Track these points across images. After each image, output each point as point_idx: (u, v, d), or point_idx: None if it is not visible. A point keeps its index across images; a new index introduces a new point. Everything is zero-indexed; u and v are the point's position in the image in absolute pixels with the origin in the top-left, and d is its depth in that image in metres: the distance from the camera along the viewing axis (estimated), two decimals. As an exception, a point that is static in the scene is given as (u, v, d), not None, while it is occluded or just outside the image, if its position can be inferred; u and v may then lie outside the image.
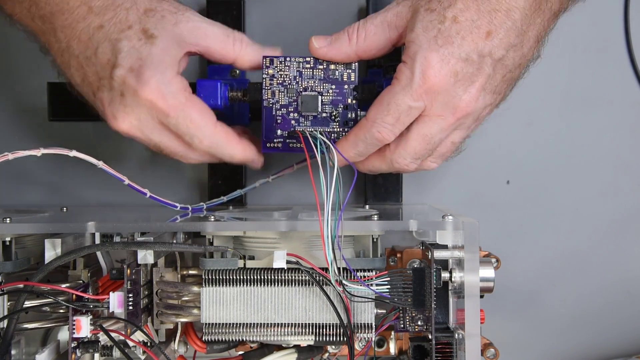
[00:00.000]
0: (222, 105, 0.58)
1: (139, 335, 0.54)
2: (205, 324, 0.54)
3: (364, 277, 0.52)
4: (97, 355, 0.54)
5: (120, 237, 0.58)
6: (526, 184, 0.71)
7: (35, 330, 0.58)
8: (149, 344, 0.54)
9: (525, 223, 0.71)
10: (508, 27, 0.50)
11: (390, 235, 0.64)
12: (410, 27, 0.51)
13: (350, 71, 0.56)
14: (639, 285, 0.72)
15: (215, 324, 0.54)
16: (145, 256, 0.53)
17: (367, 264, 0.54)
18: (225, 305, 0.54)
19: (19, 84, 0.71)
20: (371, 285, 0.52)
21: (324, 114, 0.57)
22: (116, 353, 0.53)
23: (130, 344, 0.53)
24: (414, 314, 0.54)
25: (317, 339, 0.54)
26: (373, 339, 0.55)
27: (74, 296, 0.51)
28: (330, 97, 0.57)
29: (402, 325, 0.54)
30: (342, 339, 0.53)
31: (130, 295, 0.52)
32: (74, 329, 0.51)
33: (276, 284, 0.54)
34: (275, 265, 0.51)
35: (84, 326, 0.51)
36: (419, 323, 0.54)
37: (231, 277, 0.54)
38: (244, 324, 0.54)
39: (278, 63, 0.57)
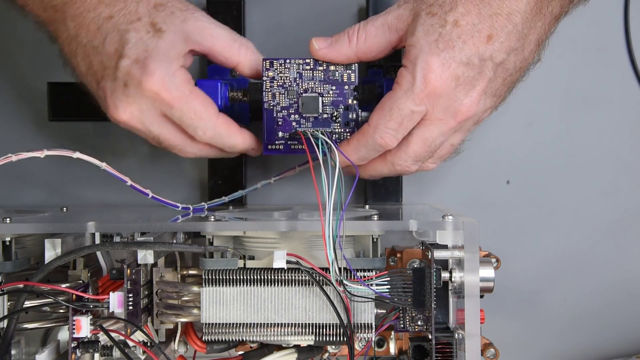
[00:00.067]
0: (222, 105, 0.58)
1: (139, 335, 0.54)
2: (205, 324, 0.54)
3: (364, 277, 0.52)
4: (97, 355, 0.54)
5: (120, 237, 0.58)
6: (526, 184, 0.71)
7: (35, 330, 0.58)
8: (149, 344, 0.54)
9: (525, 223, 0.71)
10: (509, 30, 0.50)
11: (390, 235, 0.64)
12: (411, 31, 0.51)
13: (350, 72, 0.56)
14: (639, 285, 0.72)
15: (215, 324, 0.54)
16: (145, 256, 0.53)
17: (367, 264, 0.54)
18: (225, 305, 0.54)
19: (19, 84, 0.71)
20: (371, 285, 0.51)
21: (325, 115, 0.57)
22: (116, 353, 0.53)
23: (130, 344, 0.53)
24: (414, 314, 0.54)
25: (317, 339, 0.54)
26: (373, 339, 0.54)
27: (74, 296, 0.51)
28: (331, 98, 0.57)
29: (402, 325, 0.54)
30: (342, 339, 0.53)
31: (130, 295, 0.52)
32: (74, 329, 0.51)
33: (276, 284, 0.54)
34: (275, 265, 0.51)
35: (84, 326, 0.51)
36: (419, 323, 0.54)
37: (231, 277, 0.54)
38: (244, 324, 0.54)
39: (278, 65, 0.57)
